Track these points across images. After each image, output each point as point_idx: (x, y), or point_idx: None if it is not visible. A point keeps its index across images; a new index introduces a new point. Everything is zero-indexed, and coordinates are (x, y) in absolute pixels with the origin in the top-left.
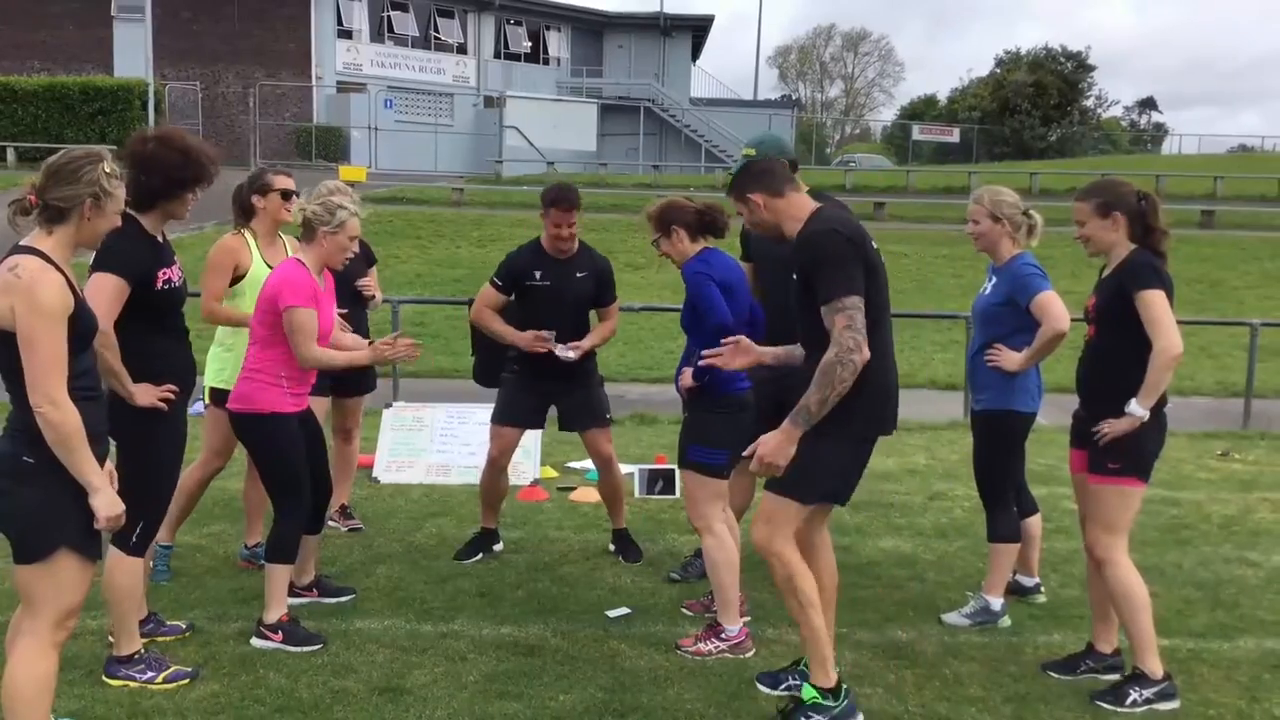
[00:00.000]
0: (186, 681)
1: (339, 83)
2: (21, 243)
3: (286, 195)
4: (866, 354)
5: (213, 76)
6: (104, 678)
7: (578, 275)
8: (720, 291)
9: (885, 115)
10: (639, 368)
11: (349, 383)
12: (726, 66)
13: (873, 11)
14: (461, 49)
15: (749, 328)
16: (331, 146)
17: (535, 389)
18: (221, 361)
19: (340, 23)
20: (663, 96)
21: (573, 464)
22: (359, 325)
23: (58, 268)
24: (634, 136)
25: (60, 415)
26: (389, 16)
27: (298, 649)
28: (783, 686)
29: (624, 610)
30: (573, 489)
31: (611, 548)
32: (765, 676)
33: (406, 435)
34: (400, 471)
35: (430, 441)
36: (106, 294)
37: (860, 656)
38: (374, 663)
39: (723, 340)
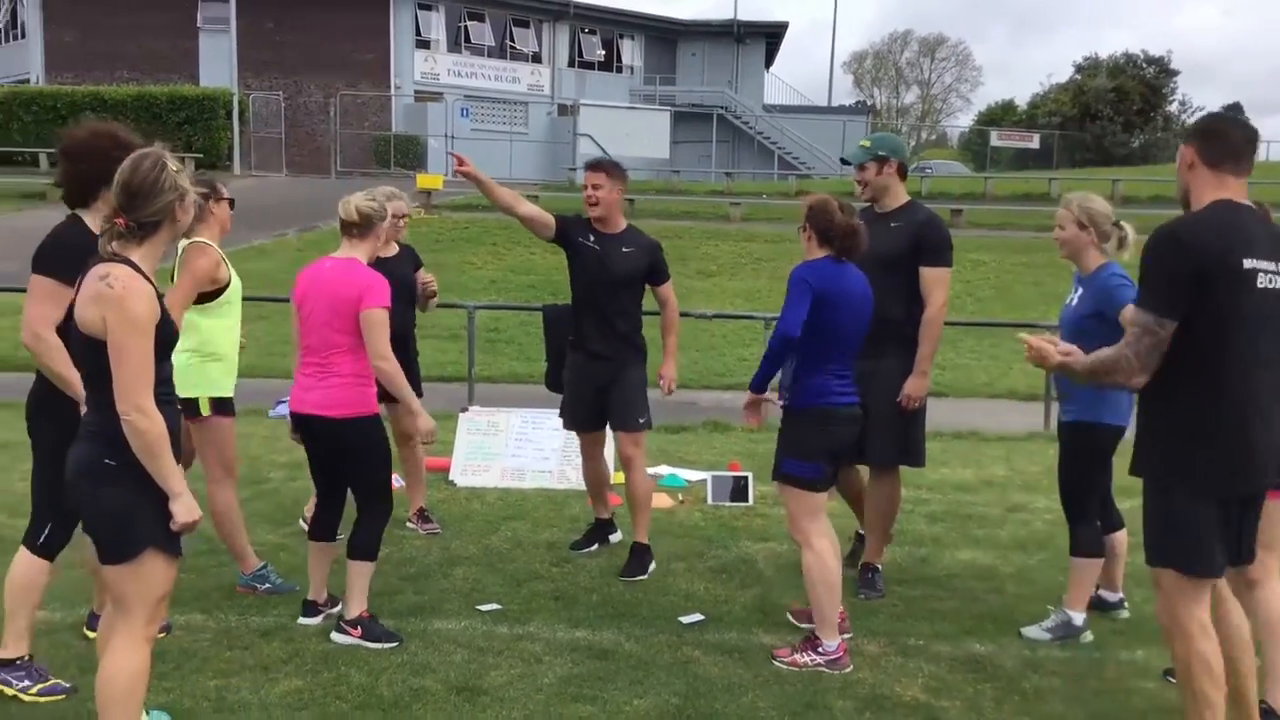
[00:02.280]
0: (62, 696)
1: (416, 92)
2: (110, 249)
3: (233, 204)
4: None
5: (295, 86)
6: None
7: (624, 250)
8: (818, 302)
9: (962, 121)
10: (711, 374)
11: None
12: (801, 73)
13: (952, 16)
14: (536, 58)
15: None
16: (409, 155)
17: (586, 394)
18: (218, 372)
19: (418, 33)
20: (736, 104)
21: (646, 470)
22: (406, 325)
23: (145, 276)
24: (707, 144)
25: (148, 423)
26: (466, 27)
27: (375, 645)
28: None
29: (698, 616)
30: None
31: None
32: None
33: (482, 439)
34: (476, 475)
35: (505, 446)
36: (39, 297)
37: (938, 669)
38: (451, 662)
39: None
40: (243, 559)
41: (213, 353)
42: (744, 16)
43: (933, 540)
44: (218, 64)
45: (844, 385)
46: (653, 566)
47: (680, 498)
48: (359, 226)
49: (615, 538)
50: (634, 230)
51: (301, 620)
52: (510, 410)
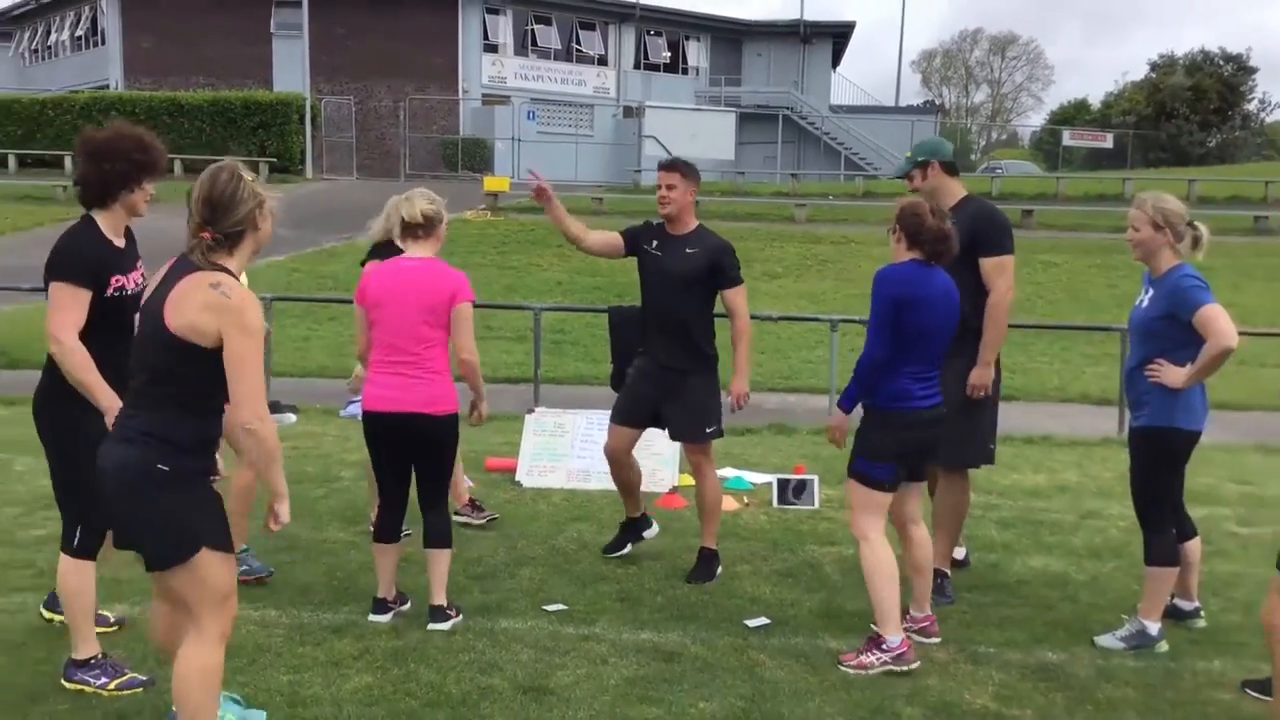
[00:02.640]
0: (140, 689)
1: (484, 95)
2: (199, 258)
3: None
4: None
5: (365, 90)
6: (62, 681)
7: (686, 251)
8: (898, 306)
9: (1034, 120)
10: (776, 377)
11: None
12: (869, 72)
13: (1024, 14)
14: (602, 60)
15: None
16: (476, 158)
17: (647, 393)
18: None
19: (486, 37)
20: (801, 104)
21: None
22: None
23: None
24: (772, 145)
25: (269, 431)
26: (532, 30)
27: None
28: None
29: (763, 620)
30: None
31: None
32: None
33: (548, 440)
34: (542, 476)
35: (571, 447)
36: (59, 304)
37: (1009, 677)
38: (518, 662)
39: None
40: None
41: None
42: (811, 16)
43: (1003, 546)
44: (290, 69)
45: (925, 388)
46: (719, 571)
47: (746, 501)
48: (424, 227)
49: (651, 533)
50: (704, 231)
51: (372, 617)
52: (576, 412)
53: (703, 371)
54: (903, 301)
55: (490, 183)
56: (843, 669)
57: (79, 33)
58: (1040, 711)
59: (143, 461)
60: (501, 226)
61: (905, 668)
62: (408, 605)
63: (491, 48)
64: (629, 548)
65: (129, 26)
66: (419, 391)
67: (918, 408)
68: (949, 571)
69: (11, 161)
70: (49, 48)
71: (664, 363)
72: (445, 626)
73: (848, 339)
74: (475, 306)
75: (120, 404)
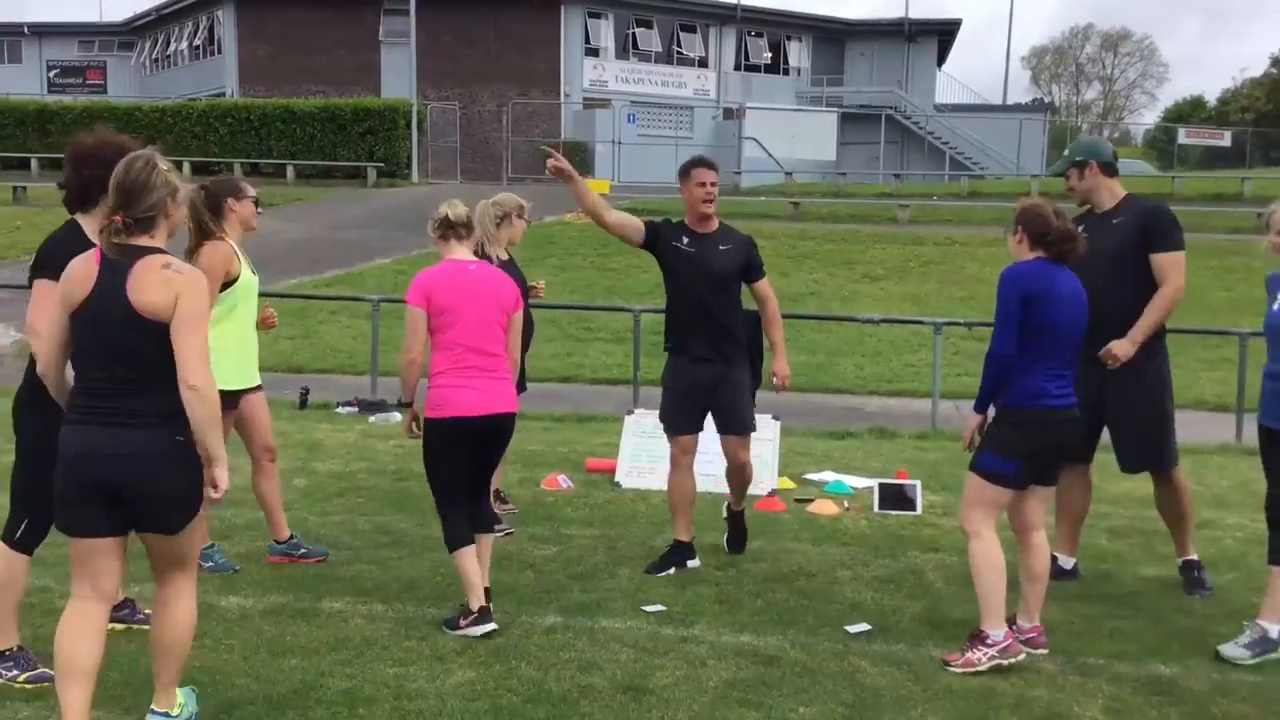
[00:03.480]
0: (49, 683)
1: (585, 99)
2: (134, 244)
3: (257, 203)
4: None
5: (470, 96)
6: None
7: (721, 248)
8: (1026, 303)
9: (1147, 118)
10: (878, 380)
11: None
12: (977, 70)
13: (1137, 9)
14: (703, 62)
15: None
16: (577, 160)
17: (691, 394)
18: (226, 365)
19: (587, 41)
20: (905, 103)
21: (810, 475)
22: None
23: None
24: (874, 145)
25: (210, 390)
26: (634, 34)
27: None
28: None
29: (864, 626)
30: (810, 500)
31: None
32: None
33: (647, 442)
34: (641, 477)
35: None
36: (40, 299)
37: (1120, 691)
38: (618, 661)
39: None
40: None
41: (220, 346)
42: (916, 14)
43: (1115, 556)
44: (398, 76)
45: (1060, 386)
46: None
47: (846, 505)
48: (466, 227)
49: (694, 564)
50: (726, 227)
51: (480, 630)
52: None
53: (743, 362)
54: (1029, 296)
55: (591, 184)
56: (950, 670)
57: (197, 42)
58: None
59: (165, 440)
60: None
61: (1010, 660)
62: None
63: (593, 51)
64: (672, 570)
65: (244, 36)
66: (501, 393)
67: (1052, 406)
68: (1195, 557)
69: None
70: (168, 57)
71: (700, 355)
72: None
73: (951, 342)
74: (575, 309)
75: None
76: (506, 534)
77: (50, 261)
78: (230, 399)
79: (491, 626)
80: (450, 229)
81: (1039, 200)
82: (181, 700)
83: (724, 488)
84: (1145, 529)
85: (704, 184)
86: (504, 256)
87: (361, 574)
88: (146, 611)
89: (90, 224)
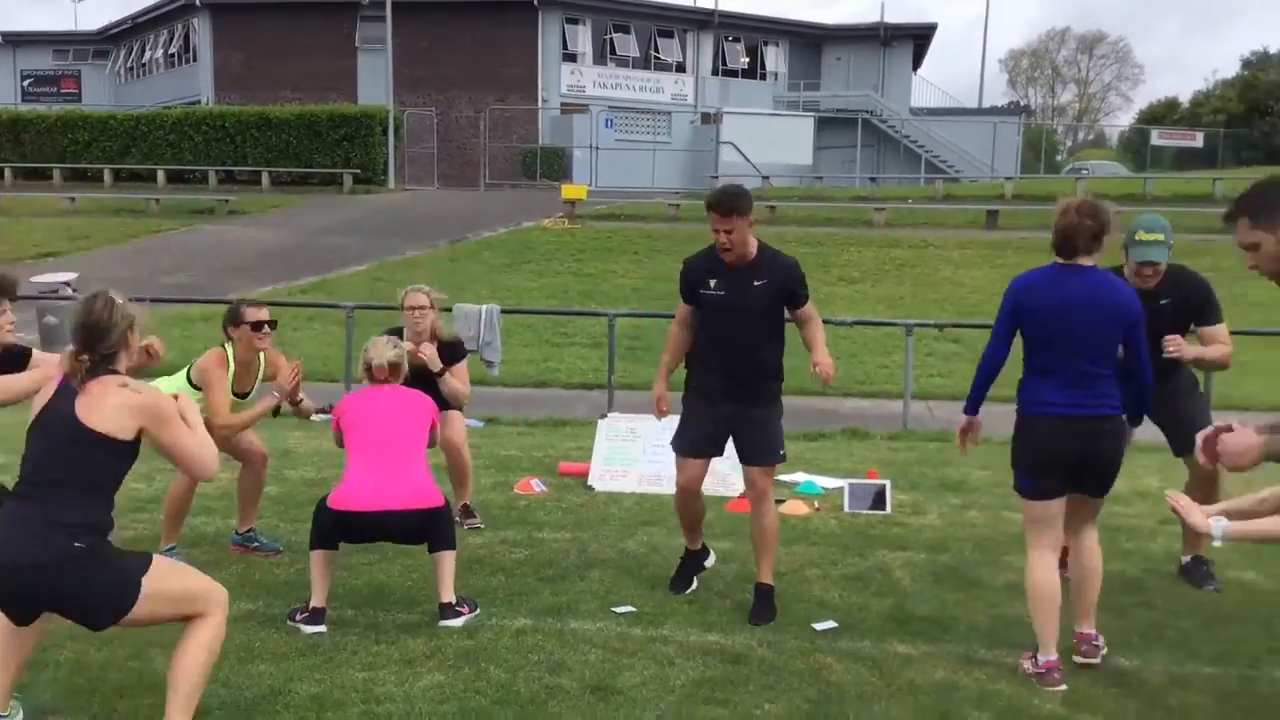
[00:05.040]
0: None
1: (563, 104)
2: (78, 382)
3: (257, 327)
4: None
5: (447, 101)
6: None
7: (755, 284)
8: (1018, 311)
9: (1122, 120)
10: (851, 382)
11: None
12: (956, 74)
13: (1117, 11)
14: (680, 67)
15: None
16: (554, 166)
17: (712, 417)
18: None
19: (565, 46)
20: (881, 107)
21: (782, 476)
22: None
23: None
24: (851, 149)
25: (216, 460)
26: (611, 39)
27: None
28: None
29: (831, 624)
30: (782, 501)
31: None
32: None
33: (620, 445)
34: (614, 480)
35: (643, 452)
36: None
37: (1080, 683)
38: (587, 662)
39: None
40: (165, 535)
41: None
42: (894, 18)
43: None
44: (374, 82)
45: (1073, 396)
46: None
47: (816, 505)
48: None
49: (710, 561)
50: (766, 253)
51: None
52: (649, 416)
53: (775, 394)
54: (1017, 310)
55: (568, 190)
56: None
57: (172, 50)
58: (1109, 717)
59: (70, 548)
60: (579, 234)
61: (1047, 688)
62: (477, 612)
63: (571, 57)
64: (695, 584)
65: (219, 44)
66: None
67: (1055, 414)
68: (1201, 554)
69: (107, 176)
70: (143, 65)
71: (729, 391)
72: (456, 624)
73: (925, 344)
74: (552, 314)
75: None
76: (474, 528)
77: None
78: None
79: (320, 629)
80: (367, 372)
81: (1071, 197)
82: None
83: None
84: (1111, 525)
85: (718, 231)
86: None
87: (331, 580)
88: None
89: None
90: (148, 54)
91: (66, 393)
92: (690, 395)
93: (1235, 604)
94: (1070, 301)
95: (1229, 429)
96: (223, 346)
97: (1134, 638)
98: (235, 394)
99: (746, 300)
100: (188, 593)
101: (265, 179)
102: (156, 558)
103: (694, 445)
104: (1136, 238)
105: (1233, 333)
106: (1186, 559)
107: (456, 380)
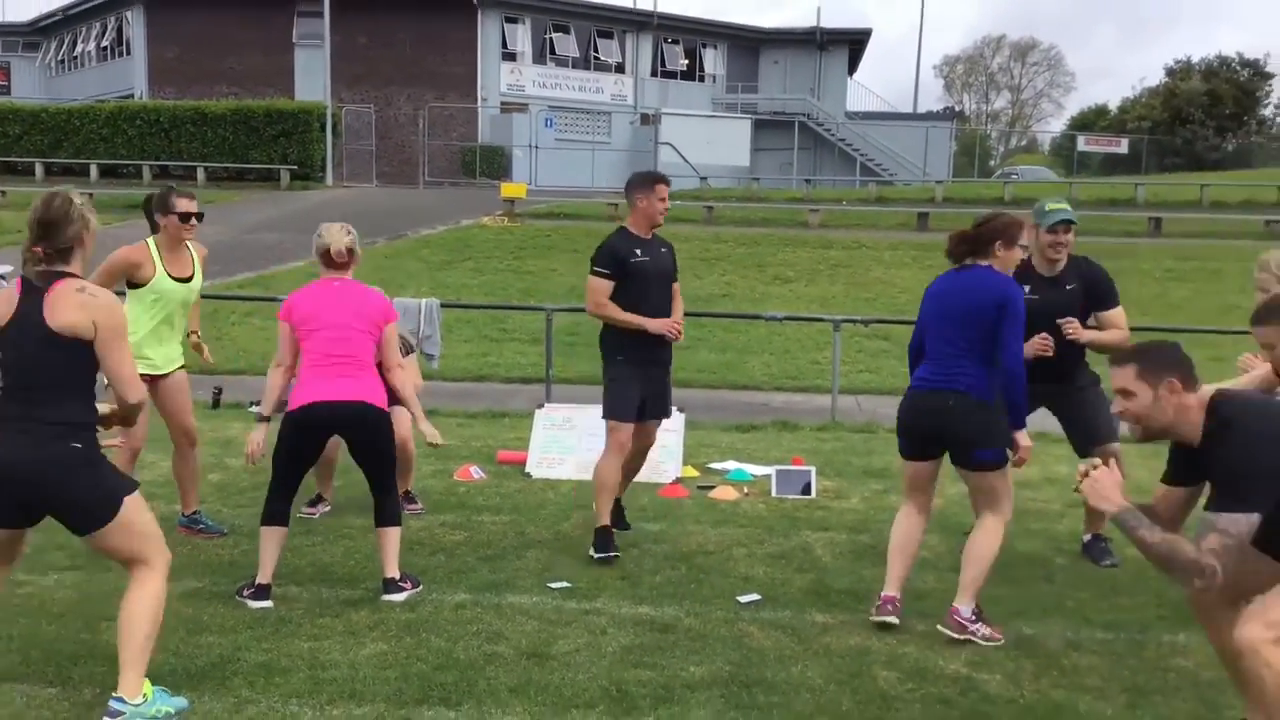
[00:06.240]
0: None
1: (502, 103)
2: (55, 269)
3: (185, 218)
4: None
5: (385, 99)
6: None
7: (661, 250)
8: (926, 314)
9: (1054, 126)
10: (783, 377)
11: None
12: (894, 79)
13: (1055, 19)
14: (619, 68)
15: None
16: (494, 165)
17: (640, 380)
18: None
19: (505, 45)
20: (818, 111)
21: (714, 464)
22: None
23: None
24: (788, 151)
25: (145, 398)
26: (551, 38)
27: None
28: None
29: (754, 596)
30: (712, 487)
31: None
32: None
33: (557, 434)
34: (551, 468)
35: (579, 441)
36: None
37: (982, 647)
38: (523, 632)
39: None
40: None
41: (136, 330)
42: (831, 23)
43: None
44: (312, 78)
45: (931, 371)
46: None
47: (745, 490)
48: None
49: (630, 531)
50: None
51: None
52: (584, 406)
53: (670, 361)
54: (923, 306)
55: (507, 189)
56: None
57: (105, 43)
58: (1009, 676)
59: (62, 449)
60: (518, 232)
61: (874, 617)
62: (420, 588)
63: (510, 56)
64: (618, 554)
65: (153, 37)
66: (361, 386)
67: (914, 388)
68: (1101, 532)
69: (39, 170)
70: (75, 58)
71: (659, 357)
72: (399, 599)
73: (855, 340)
74: (491, 309)
75: None
76: (416, 513)
77: None
78: (149, 383)
79: (267, 604)
80: (324, 257)
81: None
82: (148, 693)
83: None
84: (1021, 509)
85: (664, 200)
86: None
87: (278, 558)
88: None
89: None
90: (80, 46)
91: (31, 300)
92: (620, 368)
93: (1130, 577)
94: (944, 293)
95: (1107, 461)
96: (145, 243)
97: (1035, 608)
98: (173, 278)
99: (663, 260)
100: (149, 533)
101: (201, 174)
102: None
103: (628, 410)
104: (1046, 208)
105: (1157, 330)
106: (1087, 537)
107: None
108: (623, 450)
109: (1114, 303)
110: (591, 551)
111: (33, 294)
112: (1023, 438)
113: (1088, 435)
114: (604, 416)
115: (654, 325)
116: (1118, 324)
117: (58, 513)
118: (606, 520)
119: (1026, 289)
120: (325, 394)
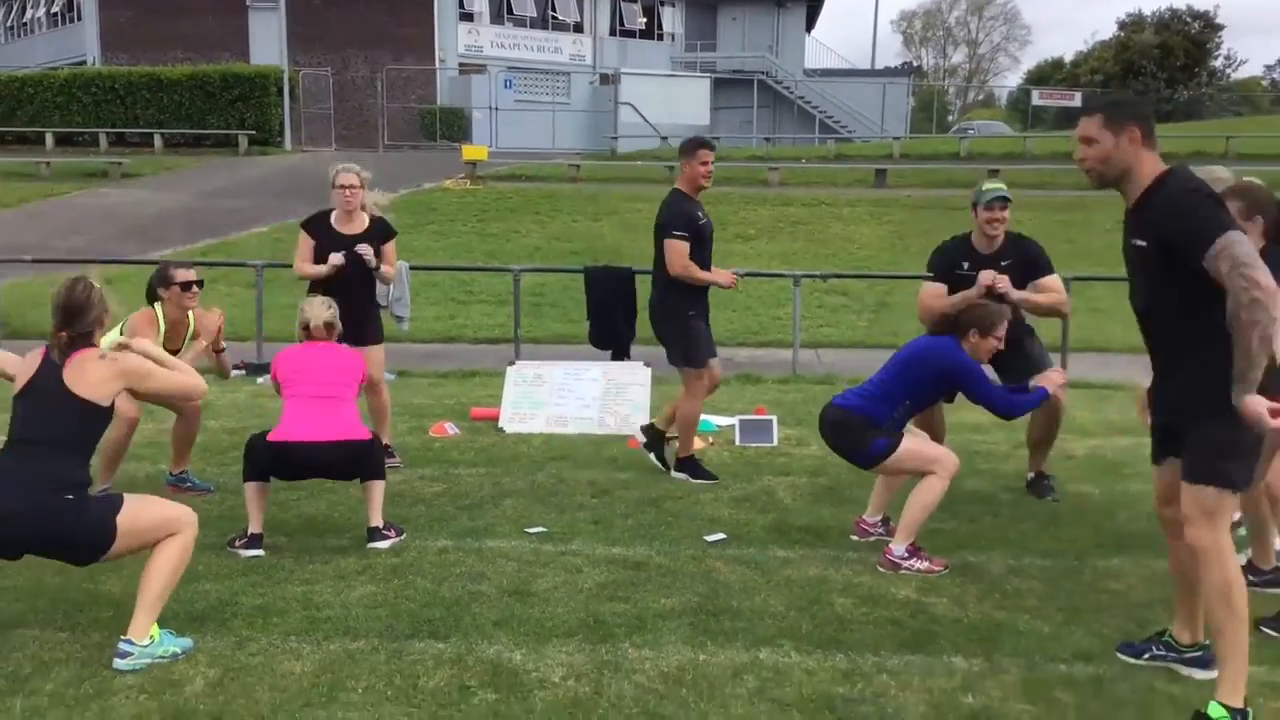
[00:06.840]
0: None
1: (461, 64)
2: (57, 354)
3: (186, 286)
4: (1270, 283)
5: (342, 62)
6: None
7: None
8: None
9: (1011, 80)
10: (746, 332)
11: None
12: (852, 36)
13: None
14: (578, 28)
15: None
16: (454, 127)
17: (708, 328)
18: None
19: (461, 6)
20: (776, 68)
21: None
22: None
23: None
24: (747, 109)
25: (201, 383)
26: None
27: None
28: (1146, 656)
29: (720, 535)
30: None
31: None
32: (1126, 647)
33: (528, 390)
34: (523, 422)
35: (550, 396)
36: None
37: (931, 575)
38: (504, 572)
39: None
40: (102, 477)
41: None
42: None
43: None
44: (267, 41)
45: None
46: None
47: (711, 440)
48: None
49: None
50: None
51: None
52: (554, 363)
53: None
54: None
55: (469, 152)
56: (883, 567)
57: (54, 9)
58: (954, 599)
59: (52, 499)
60: (480, 195)
61: (855, 535)
62: (404, 536)
63: (467, 16)
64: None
65: (105, 2)
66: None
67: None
68: (1044, 470)
69: None
70: (24, 25)
71: (708, 310)
72: (385, 545)
73: (815, 296)
74: (458, 270)
75: None
76: (394, 466)
77: None
78: None
79: (258, 553)
80: (304, 330)
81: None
82: (155, 634)
83: (602, 429)
84: (971, 450)
85: (706, 164)
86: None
87: (265, 509)
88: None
89: None
90: (29, 13)
91: (51, 364)
92: (696, 316)
93: (1071, 510)
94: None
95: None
96: (152, 307)
97: (980, 539)
98: (165, 349)
99: (710, 223)
100: (160, 521)
101: (158, 141)
102: (127, 497)
103: (712, 349)
104: (983, 188)
105: (1102, 279)
106: (1031, 475)
107: (388, 266)
108: (707, 390)
109: (1048, 270)
110: (690, 478)
111: (54, 359)
112: (1049, 384)
113: (1030, 371)
114: (686, 365)
115: (725, 279)
116: (1054, 288)
117: (52, 555)
118: (691, 450)
119: (965, 265)
120: (305, 432)
